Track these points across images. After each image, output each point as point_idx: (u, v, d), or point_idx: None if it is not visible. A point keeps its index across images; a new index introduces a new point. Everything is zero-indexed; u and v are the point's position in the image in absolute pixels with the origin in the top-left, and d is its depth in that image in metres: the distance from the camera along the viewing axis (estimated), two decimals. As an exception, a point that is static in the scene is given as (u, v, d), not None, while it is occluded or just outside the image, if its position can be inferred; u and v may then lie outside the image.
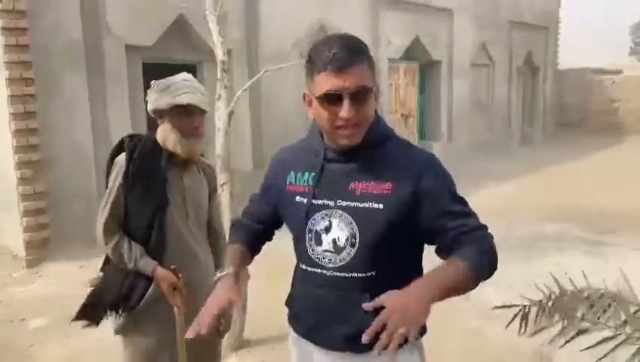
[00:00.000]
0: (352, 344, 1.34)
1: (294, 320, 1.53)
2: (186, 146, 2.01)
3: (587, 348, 1.65)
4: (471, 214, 1.38)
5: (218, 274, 1.44)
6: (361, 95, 1.29)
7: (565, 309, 1.83)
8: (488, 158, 11.89)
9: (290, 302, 1.55)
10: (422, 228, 1.35)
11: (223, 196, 3.40)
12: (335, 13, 9.05)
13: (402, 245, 1.37)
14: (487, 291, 2.07)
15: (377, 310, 1.23)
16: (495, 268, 1.33)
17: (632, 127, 15.94)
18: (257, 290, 3.55)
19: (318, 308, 1.42)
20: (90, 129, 6.00)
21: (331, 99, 1.29)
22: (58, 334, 3.82)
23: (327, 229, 1.37)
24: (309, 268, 1.41)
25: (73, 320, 2.07)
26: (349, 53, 1.28)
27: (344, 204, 1.36)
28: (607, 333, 1.55)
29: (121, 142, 2.07)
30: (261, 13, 7.96)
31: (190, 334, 1.27)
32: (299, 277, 1.49)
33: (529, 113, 15.47)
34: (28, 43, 5.38)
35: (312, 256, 1.40)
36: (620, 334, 1.51)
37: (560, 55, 16.70)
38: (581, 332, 1.61)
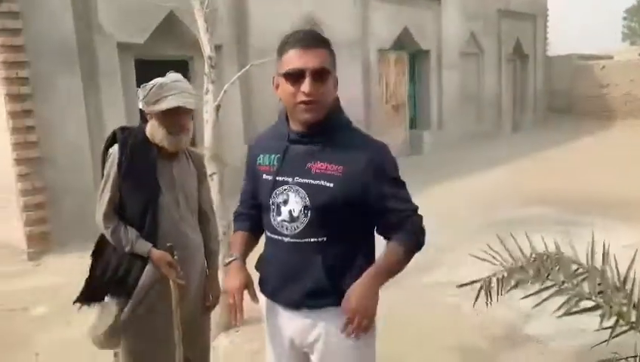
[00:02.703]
0: (308, 299, 1.61)
1: (262, 282, 1.75)
2: (172, 142, 2.19)
3: (523, 297, 1.88)
4: (408, 199, 1.65)
5: (226, 260, 1.68)
6: (321, 74, 1.50)
7: (518, 275, 2.04)
8: (479, 146, 12.11)
9: (259, 267, 1.77)
10: (368, 207, 1.59)
11: (212, 186, 3.59)
12: (324, 6, 9.21)
13: (351, 217, 1.60)
14: (467, 270, 2.30)
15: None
16: (423, 244, 1.67)
17: (620, 112, 16.16)
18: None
19: (279, 271, 1.65)
20: (86, 127, 6.18)
21: (295, 76, 1.50)
22: (59, 322, 4.03)
23: (286, 202, 1.59)
24: (273, 236, 1.65)
25: (75, 302, 2.27)
26: (314, 37, 1.54)
27: (300, 180, 1.58)
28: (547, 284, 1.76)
29: (114, 133, 2.27)
30: (250, 10, 8.13)
31: (236, 321, 1.62)
32: (267, 244, 1.72)
33: (519, 100, 15.67)
34: (22, 43, 5.56)
35: (274, 225, 1.63)
36: (554, 285, 1.72)
37: (550, 42, 16.87)
38: (517, 284, 1.82)
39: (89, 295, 2.26)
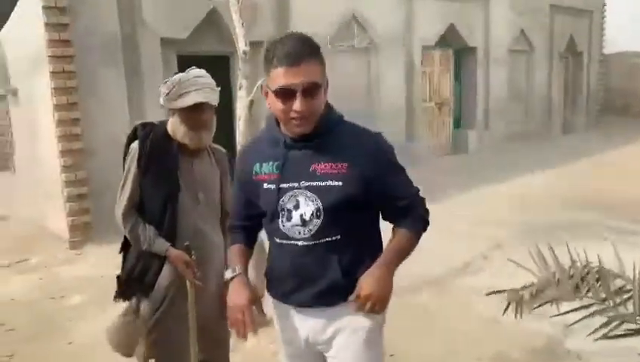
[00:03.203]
0: (321, 299, 1.60)
1: (272, 286, 1.73)
2: (194, 138, 2.15)
3: (555, 315, 1.73)
4: (410, 183, 1.68)
5: (229, 274, 1.66)
6: (311, 90, 1.47)
7: (553, 291, 1.88)
8: (527, 147, 11.66)
9: (268, 273, 1.74)
10: (375, 198, 1.60)
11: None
12: (366, 2, 9.05)
13: (361, 212, 1.60)
14: (509, 277, 2.18)
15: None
16: (428, 223, 1.70)
17: (682, 114, 15.22)
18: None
19: (291, 274, 1.62)
20: (128, 120, 6.27)
21: (285, 94, 1.46)
22: (95, 310, 4.10)
23: (296, 207, 1.57)
24: (284, 241, 1.62)
25: (115, 298, 2.28)
26: (301, 50, 1.46)
27: (307, 183, 1.56)
28: (584, 303, 1.62)
29: (135, 129, 2.24)
30: (292, 6, 8.08)
31: (246, 337, 1.59)
32: (274, 250, 1.69)
33: (571, 100, 15.00)
34: (69, 38, 5.71)
35: (285, 231, 1.60)
36: (593, 304, 1.58)
37: (607, 38, 16.05)
38: (550, 301, 1.68)
39: (121, 291, 2.25)
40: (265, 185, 1.61)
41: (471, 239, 5.44)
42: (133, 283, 2.19)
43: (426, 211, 1.69)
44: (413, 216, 1.65)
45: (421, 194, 1.71)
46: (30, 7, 5.45)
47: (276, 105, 1.50)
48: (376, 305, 1.52)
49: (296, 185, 1.57)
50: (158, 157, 2.15)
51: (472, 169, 9.59)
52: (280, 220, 1.60)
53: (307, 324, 1.66)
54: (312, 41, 1.51)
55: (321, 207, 1.54)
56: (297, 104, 1.46)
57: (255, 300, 1.62)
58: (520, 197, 7.44)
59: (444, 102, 11.46)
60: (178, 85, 2.09)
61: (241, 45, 4.01)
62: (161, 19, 6.55)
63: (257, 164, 1.63)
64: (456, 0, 10.86)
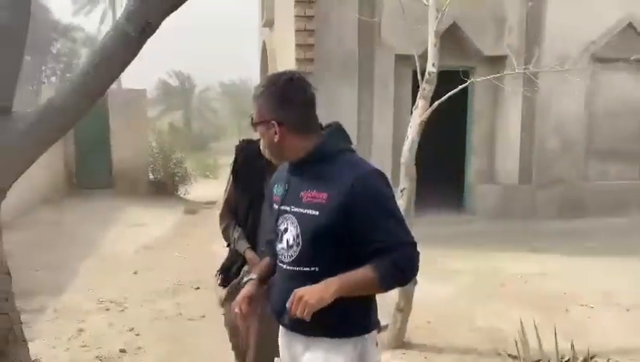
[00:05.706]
0: (299, 326, 1.62)
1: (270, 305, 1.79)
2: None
3: None
4: (398, 230, 1.54)
5: (245, 279, 1.86)
6: (257, 127, 1.67)
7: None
8: None
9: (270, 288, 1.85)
10: (352, 236, 1.54)
11: (401, 201, 3.54)
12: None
13: (339, 246, 1.57)
14: None
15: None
16: (407, 279, 1.57)
17: None
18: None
19: (279, 296, 1.68)
20: (356, 133, 6.78)
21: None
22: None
23: (286, 230, 1.67)
24: (278, 263, 1.74)
25: (219, 283, 2.63)
26: (256, 89, 1.65)
27: (295, 209, 1.64)
28: None
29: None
30: (547, 18, 7.43)
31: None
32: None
33: None
34: (313, 57, 6.55)
35: (277, 252, 1.72)
36: None
37: None
38: None
39: (221, 279, 2.62)
40: (274, 206, 1.75)
41: None
42: (225, 272, 2.53)
43: (409, 264, 1.53)
44: (384, 259, 1.49)
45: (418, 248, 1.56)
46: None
47: None
48: (302, 305, 1.45)
49: (288, 208, 1.66)
50: (247, 169, 2.44)
51: None
52: (277, 242, 1.71)
53: (290, 347, 1.73)
54: (270, 78, 1.66)
55: (300, 234, 1.61)
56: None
57: (252, 298, 1.75)
58: None
59: None
60: None
61: (429, 65, 4.01)
62: (398, 37, 6.86)
63: (276, 185, 1.78)
64: None
